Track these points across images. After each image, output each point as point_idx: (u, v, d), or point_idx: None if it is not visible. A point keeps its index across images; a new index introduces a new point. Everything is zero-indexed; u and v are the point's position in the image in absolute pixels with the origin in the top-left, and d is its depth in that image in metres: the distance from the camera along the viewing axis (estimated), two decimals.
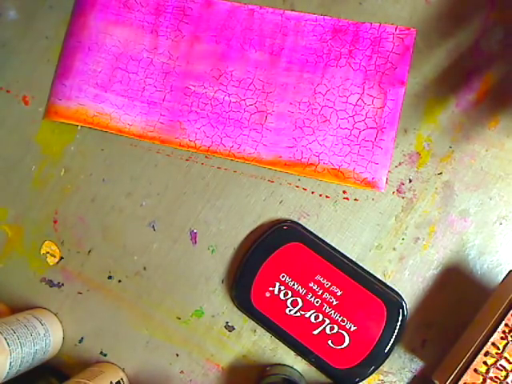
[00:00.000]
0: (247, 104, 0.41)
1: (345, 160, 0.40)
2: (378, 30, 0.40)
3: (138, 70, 0.43)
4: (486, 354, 0.34)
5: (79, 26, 0.44)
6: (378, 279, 0.39)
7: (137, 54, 0.43)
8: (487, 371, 0.34)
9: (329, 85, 0.40)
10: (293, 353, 0.41)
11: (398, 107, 0.40)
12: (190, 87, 0.42)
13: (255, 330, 0.41)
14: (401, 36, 0.39)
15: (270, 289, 0.40)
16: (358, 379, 0.39)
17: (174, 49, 0.43)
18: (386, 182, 0.40)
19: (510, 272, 0.37)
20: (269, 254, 0.40)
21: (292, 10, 0.41)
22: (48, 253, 0.45)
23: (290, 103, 0.41)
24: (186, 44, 0.42)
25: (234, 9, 0.42)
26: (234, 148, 0.42)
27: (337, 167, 0.40)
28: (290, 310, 0.39)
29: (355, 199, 0.40)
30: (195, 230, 0.42)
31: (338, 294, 0.39)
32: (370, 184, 0.40)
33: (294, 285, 0.39)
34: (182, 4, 0.43)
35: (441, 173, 0.39)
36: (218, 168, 0.42)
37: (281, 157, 0.41)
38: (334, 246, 0.40)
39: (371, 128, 0.40)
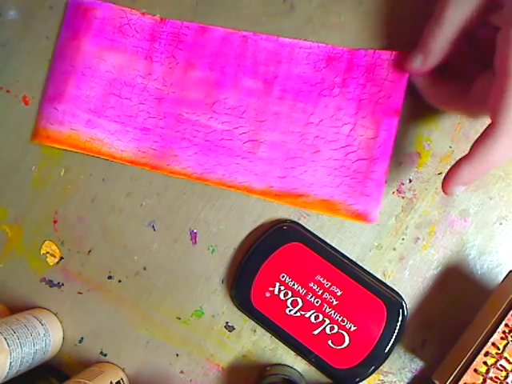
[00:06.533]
0: (239, 132, 0.41)
1: (336, 191, 0.39)
2: (373, 56, 0.39)
3: (131, 95, 0.42)
4: (486, 354, 0.34)
5: (72, 50, 0.43)
6: (378, 279, 0.39)
7: (131, 79, 0.42)
8: (487, 371, 0.34)
9: (321, 115, 0.40)
10: (293, 353, 0.41)
11: (392, 138, 0.39)
12: (183, 114, 0.42)
13: (255, 330, 0.41)
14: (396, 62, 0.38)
15: (270, 289, 0.40)
16: (358, 379, 0.39)
17: (168, 75, 0.42)
18: (379, 213, 0.39)
19: (510, 272, 0.37)
20: (269, 254, 0.40)
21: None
22: (48, 253, 0.45)
23: (283, 132, 0.40)
24: (180, 70, 0.42)
25: (228, 35, 0.41)
26: (225, 176, 0.41)
27: (328, 198, 0.40)
28: (290, 310, 0.39)
29: None
30: (195, 230, 0.42)
31: (338, 294, 0.39)
32: (362, 216, 0.39)
33: (294, 285, 0.39)
34: (177, 30, 0.42)
35: (441, 173, 0.39)
36: None
37: (272, 187, 0.40)
38: (334, 246, 0.40)
39: (363, 159, 0.39)
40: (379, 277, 0.40)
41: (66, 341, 0.44)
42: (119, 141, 0.43)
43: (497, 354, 0.34)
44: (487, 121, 0.40)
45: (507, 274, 0.38)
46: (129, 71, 0.43)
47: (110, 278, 0.44)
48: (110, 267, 0.44)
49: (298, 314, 0.39)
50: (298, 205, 0.40)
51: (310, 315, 0.39)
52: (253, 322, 0.41)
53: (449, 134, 0.39)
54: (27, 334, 0.40)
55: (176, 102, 0.42)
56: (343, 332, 0.38)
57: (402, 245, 0.40)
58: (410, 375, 0.40)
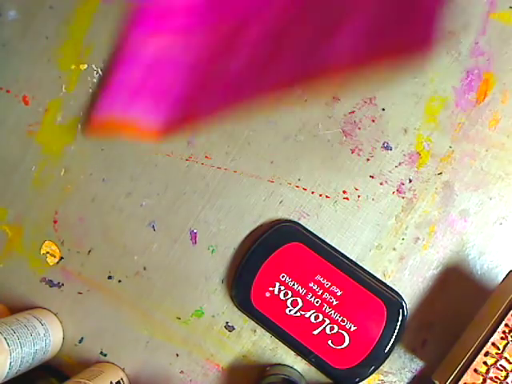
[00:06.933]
0: (250, 60, 0.40)
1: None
2: None
3: (169, 73, 0.42)
4: (486, 354, 0.34)
5: (123, 39, 0.43)
6: (378, 279, 0.39)
7: (170, 57, 0.42)
8: (487, 371, 0.34)
9: None
10: (293, 353, 0.41)
11: None
12: (210, 73, 0.41)
13: (255, 330, 0.41)
14: None
15: (270, 289, 0.40)
16: (357, 379, 0.39)
17: (204, 47, 0.42)
18: None
19: (510, 272, 0.37)
20: (269, 254, 0.40)
21: None
22: (48, 253, 0.45)
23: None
24: (211, 36, 0.42)
25: None
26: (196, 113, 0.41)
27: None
28: (290, 310, 0.39)
29: (355, 199, 0.40)
30: (195, 230, 0.42)
31: (338, 293, 0.39)
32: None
33: (294, 285, 0.39)
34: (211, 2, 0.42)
35: (441, 173, 0.39)
36: (218, 168, 0.42)
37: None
38: (334, 246, 0.40)
39: None
40: (379, 277, 0.40)
41: (66, 341, 0.44)
42: (155, 117, 0.42)
43: (497, 353, 0.34)
44: (487, 122, 0.40)
45: (507, 274, 0.38)
46: (169, 51, 0.42)
47: (110, 277, 0.44)
48: (110, 267, 0.44)
49: (298, 313, 0.39)
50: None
51: (310, 315, 0.39)
52: (253, 322, 0.41)
53: (449, 134, 0.39)
54: (27, 334, 0.40)
55: (205, 67, 0.42)
56: (343, 332, 0.38)
57: (401, 245, 0.40)
58: (409, 375, 0.40)
